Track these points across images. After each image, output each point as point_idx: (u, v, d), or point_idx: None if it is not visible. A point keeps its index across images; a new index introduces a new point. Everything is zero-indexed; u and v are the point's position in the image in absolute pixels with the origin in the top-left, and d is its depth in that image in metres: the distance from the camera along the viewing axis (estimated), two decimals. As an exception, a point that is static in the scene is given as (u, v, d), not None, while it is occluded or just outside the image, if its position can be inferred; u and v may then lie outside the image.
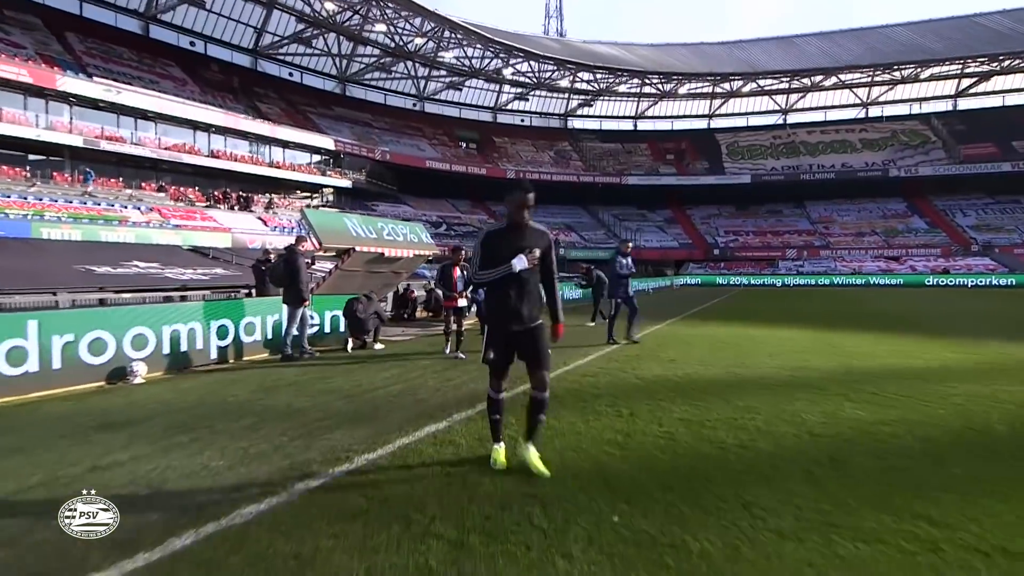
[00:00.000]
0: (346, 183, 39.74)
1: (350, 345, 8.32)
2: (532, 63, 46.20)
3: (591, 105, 55.34)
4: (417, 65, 46.78)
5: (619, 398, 4.99)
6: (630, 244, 9.13)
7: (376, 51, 44.91)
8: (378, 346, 8.28)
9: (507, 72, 47.70)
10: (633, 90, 52.75)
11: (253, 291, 10.23)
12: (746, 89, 51.16)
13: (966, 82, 46.92)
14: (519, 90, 51.63)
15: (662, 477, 3.11)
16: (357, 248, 9.00)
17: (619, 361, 7.07)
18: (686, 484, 3.00)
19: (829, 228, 47.28)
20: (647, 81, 50.45)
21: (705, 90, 51.81)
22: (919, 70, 44.76)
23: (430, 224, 44.43)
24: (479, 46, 42.67)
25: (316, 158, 40.65)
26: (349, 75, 46.85)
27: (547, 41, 50.34)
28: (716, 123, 56.35)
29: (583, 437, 3.82)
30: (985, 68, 43.75)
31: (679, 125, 57.12)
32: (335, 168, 40.51)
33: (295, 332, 7.38)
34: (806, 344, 8.42)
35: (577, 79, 48.88)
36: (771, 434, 3.90)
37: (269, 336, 7.71)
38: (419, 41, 42.17)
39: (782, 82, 48.74)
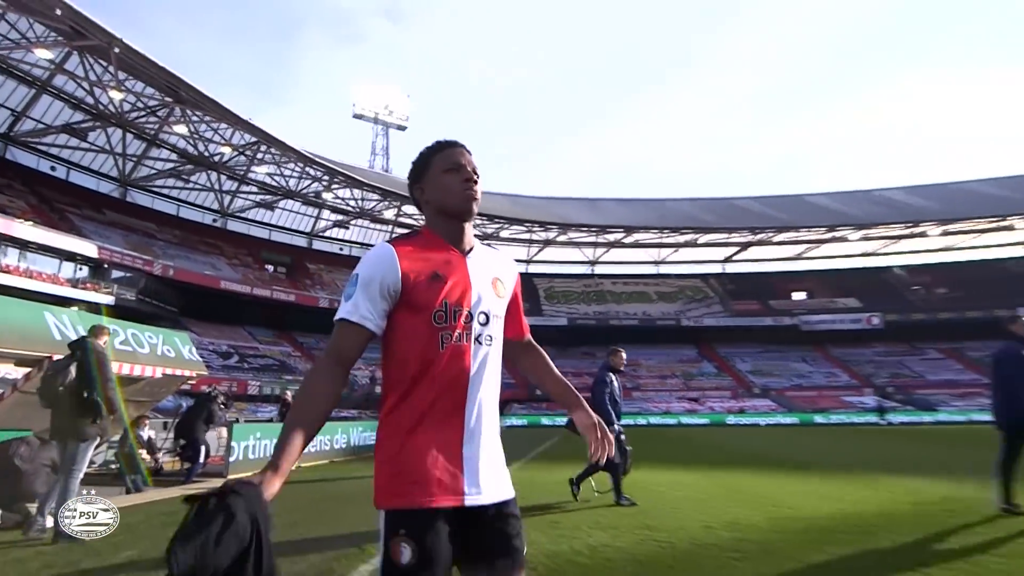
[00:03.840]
0: (106, 299, 33.10)
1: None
2: (356, 191, 46.07)
3: (414, 240, 56.13)
4: (223, 177, 43.56)
5: None
6: None
7: (173, 156, 40.99)
8: (47, 523, 4.84)
9: (327, 196, 46.73)
10: (456, 229, 54.99)
11: None
12: (561, 239, 56.83)
13: (731, 250, 58.13)
14: (340, 217, 50.65)
15: None
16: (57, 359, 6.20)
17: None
18: None
19: (637, 371, 51.66)
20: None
21: (524, 236, 56.33)
22: (697, 236, 54.48)
23: (218, 355, 38.46)
24: (298, 165, 41.47)
25: (69, 268, 33.89)
26: (135, 179, 41.61)
27: (373, 173, 51.28)
28: (534, 268, 61.03)
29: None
30: (746, 239, 54.94)
31: (499, 267, 60.42)
32: (94, 280, 33.87)
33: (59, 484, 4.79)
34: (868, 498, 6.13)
35: (402, 213, 49.74)
36: None
37: None
38: (227, 151, 39.60)
39: (592, 233, 55.23)
